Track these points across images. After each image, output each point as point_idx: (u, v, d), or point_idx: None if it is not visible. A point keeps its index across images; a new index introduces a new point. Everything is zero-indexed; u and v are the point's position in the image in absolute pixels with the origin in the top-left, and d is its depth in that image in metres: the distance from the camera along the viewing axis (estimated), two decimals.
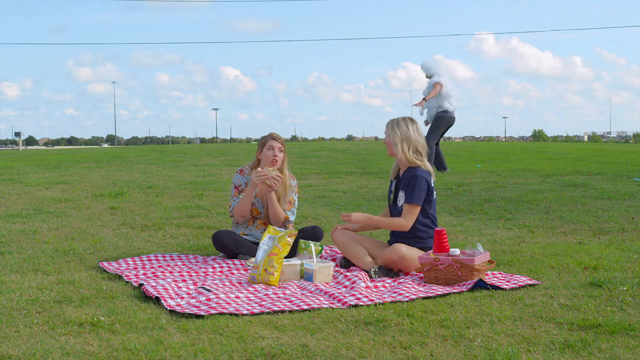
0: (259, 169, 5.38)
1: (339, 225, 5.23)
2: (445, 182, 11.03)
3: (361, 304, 3.99)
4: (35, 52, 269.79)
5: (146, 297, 4.15)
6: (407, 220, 4.92)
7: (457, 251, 4.63)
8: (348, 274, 4.75)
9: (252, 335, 3.40)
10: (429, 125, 12.16)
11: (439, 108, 12.17)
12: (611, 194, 9.19)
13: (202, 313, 3.76)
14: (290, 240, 4.71)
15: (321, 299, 4.12)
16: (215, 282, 4.55)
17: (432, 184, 5.00)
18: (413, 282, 4.58)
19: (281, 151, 5.54)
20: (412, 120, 5.07)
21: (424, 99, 12.10)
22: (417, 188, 4.89)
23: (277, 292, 4.34)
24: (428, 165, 5.02)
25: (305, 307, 3.91)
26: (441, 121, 12.04)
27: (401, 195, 4.99)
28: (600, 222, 7.02)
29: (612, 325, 3.47)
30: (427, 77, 12.37)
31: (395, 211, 5.06)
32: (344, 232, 5.12)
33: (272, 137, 5.56)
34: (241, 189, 5.57)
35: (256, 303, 4.04)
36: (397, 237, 5.04)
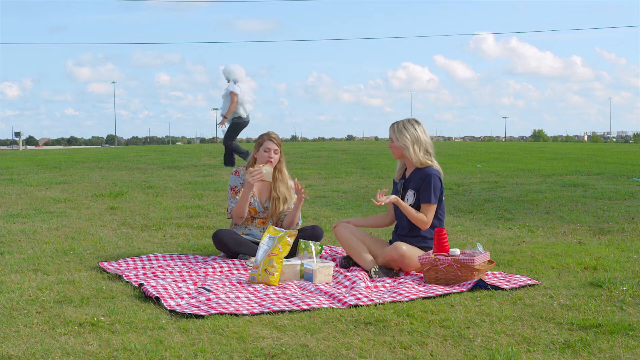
0: (251, 168, 5.41)
1: (342, 220, 5.25)
2: (445, 182, 11.02)
3: (361, 304, 3.99)
4: (35, 52, 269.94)
5: (146, 297, 4.15)
6: (428, 218, 4.95)
7: (457, 251, 4.63)
8: (348, 274, 4.75)
9: (252, 335, 3.40)
10: (227, 128, 13.56)
11: (235, 114, 13.56)
12: (611, 194, 9.19)
13: (202, 313, 3.76)
14: (290, 240, 4.71)
15: (321, 299, 4.12)
16: (215, 282, 4.55)
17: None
18: (413, 282, 4.58)
19: (277, 152, 5.55)
20: (417, 121, 5.07)
21: (224, 117, 13.45)
22: (433, 187, 4.92)
23: (277, 292, 4.34)
24: (437, 165, 5.03)
25: (305, 307, 3.91)
26: (238, 126, 13.40)
27: (409, 195, 4.99)
28: (600, 222, 7.02)
29: (612, 325, 3.47)
30: (227, 80, 13.54)
31: (400, 212, 5.05)
32: (346, 227, 5.12)
33: (269, 137, 5.56)
34: (237, 190, 5.57)
35: (256, 303, 4.04)
36: (399, 235, 5.04)
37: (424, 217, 4.94)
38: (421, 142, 4.99)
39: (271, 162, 5.50)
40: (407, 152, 4.99)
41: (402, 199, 5.04)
